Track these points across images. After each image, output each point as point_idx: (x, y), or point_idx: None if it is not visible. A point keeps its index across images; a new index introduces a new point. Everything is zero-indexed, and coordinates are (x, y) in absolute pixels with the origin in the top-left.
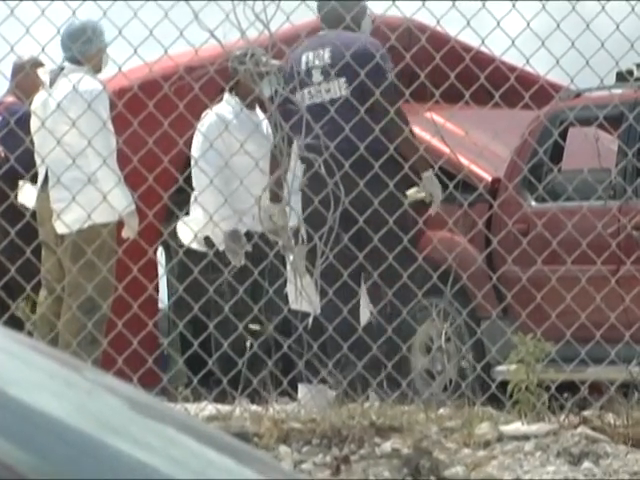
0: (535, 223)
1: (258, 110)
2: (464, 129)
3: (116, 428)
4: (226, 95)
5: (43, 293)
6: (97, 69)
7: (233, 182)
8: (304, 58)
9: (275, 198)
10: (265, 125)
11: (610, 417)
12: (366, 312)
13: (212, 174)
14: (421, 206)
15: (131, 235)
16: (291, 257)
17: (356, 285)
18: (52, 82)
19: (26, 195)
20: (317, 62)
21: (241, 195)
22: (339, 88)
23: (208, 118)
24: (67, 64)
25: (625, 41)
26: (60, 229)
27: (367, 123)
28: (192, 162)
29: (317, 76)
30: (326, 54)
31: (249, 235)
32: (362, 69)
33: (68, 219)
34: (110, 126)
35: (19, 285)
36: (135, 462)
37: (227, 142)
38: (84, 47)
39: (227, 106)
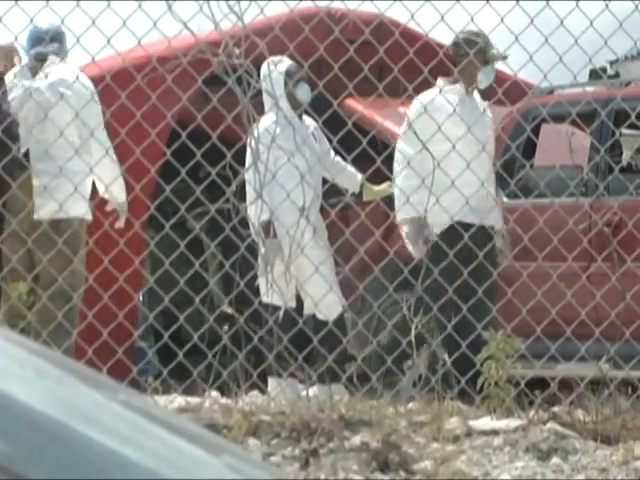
0: (507, 219)
1: (476, 96)
2: None
3: (86, 416)
4: (440, 81)
5: (13, 284)
6: None
7: (430, 168)
8: None
9: None
10: (482, 112)
11: (579, 413)
12: (338, 307)
13: (416, 159)
14: (393, 200)
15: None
16: (262, 250)
17: None
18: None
19: None
20: None
21: (437, 181)
22: None
23: (417, 105)
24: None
25: (599, 38)
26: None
27: None
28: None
29: None
30: None
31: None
32: None
33: (51, 208)
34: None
35: None
36: (104, 449)
37: (435, 129)
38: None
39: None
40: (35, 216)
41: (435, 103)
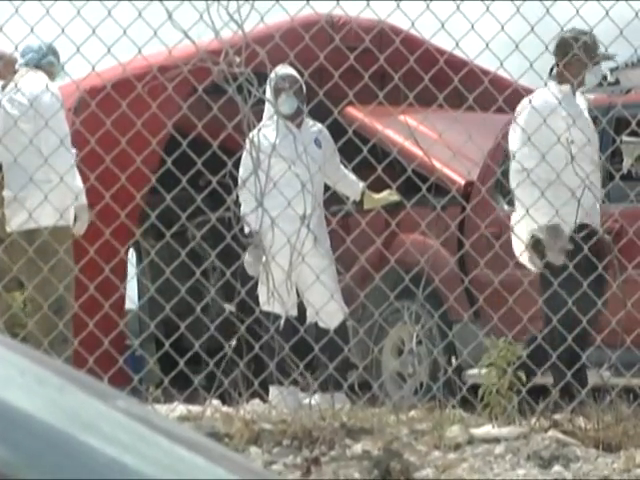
0: (507, 226)
1: (579, 95)
2: (437, 132)
3: (86, 424)
4: (550, 81)
5: (13, 294)
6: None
7: (555, 172)
8: None
9: None
10: (587, 111)
11: (581, 421)
12: (340, 315)
13: (533, 163)
14: (394, 208)
15: (81, 230)
16: (263, 258)
17: None
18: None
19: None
20: None
21: (562, 186)
22: None
23: (530, 104)
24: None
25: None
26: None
27: None
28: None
29: None
30: None
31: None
32: None
33: (19, 219)
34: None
35: None
36: (105, 457)
37: (552, 128)
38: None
39: (548, 92)
40: (7, 228)
41: (549, 105)
